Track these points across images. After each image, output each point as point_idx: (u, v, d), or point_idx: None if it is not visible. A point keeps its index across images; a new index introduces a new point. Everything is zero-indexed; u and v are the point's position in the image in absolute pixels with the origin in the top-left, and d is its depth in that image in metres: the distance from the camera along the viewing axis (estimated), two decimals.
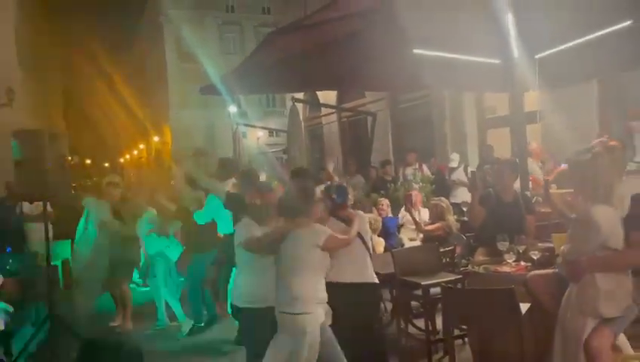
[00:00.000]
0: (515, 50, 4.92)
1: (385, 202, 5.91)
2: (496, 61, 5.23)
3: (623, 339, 2.98)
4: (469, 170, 7.42)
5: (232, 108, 29.53)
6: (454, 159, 7.88)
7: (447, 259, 4.55)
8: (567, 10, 4.50)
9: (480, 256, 3.99)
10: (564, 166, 6.63)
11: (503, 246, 3.72)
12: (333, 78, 6.66)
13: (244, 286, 3.52)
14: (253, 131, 28.85)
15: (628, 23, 4.37)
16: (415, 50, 5.13)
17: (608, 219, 2.73)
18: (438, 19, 4.72)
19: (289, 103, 17.66)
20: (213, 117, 31.20)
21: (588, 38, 4.76)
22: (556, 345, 2.92)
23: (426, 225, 5.27)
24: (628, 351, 3.06)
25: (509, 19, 4.66)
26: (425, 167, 8.18)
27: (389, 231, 5.70)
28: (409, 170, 7.96)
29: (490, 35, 4.84)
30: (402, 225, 5.79)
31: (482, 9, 4.45)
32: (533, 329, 3.10)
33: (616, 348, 2.90)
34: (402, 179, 7.71)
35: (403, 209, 5.94)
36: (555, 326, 2.94)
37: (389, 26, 4.69)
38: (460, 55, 5.27)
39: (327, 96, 13.21)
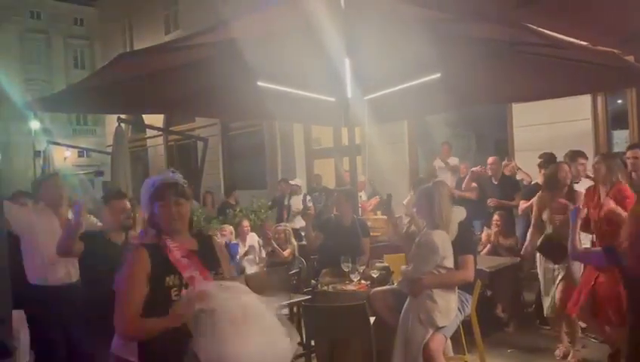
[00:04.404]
0: (349, 91, 5.51)
1: (228, 228, 6.00)
2: (332, 99, 5.79)
3: (447, 342, 3.57)
4: (307, 198, 7.89)
5: (35, 125, 26.47)
6: (298, 185, 8.22)
7: (295, 281, 4.85)
8: (391, 61, 5.26)
9: (326, 277, 4.37)
10: (377, 197, 7.52)
11: (346, 266, 4.14)
12: (170, 103, 6.60)
13: None
14: (60, 150, 26.25)
15: (437, 75, 5.26)
16: (259, 83, 5.44)
17: (444, 241, 3.30)
18: (282, 56, 5.10)
19: (109, 122, 16.62)
20: (6, 133, 27.56)
21: (405, 85, 5.59)
22: (396, 351, 3.38)
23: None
24: (449, 352, 3.68)
25: (346, 64, 5.23)
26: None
27: (232, 257, 5.79)
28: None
29: (329, 76, 5.36)
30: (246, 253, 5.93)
31: (323, 53, 4.93)
32: (376, 339, 3.52)
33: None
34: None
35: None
36: (396, 335, 3.40)
37: (233, 58, 4.88)
38: (301, 91, 5.72)
39: (153, 118, 12.79)
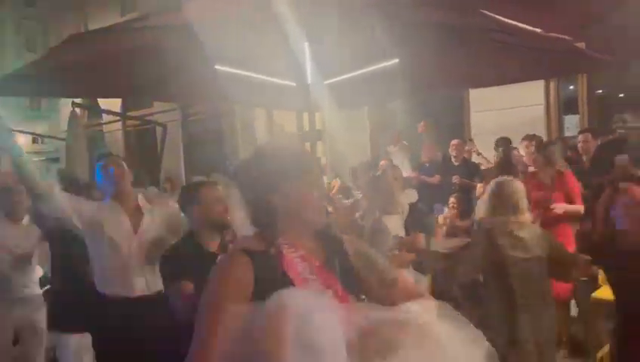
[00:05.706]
0: (309, 75, 5.50)
1: None
2: (293, 84, 5.76)
3: None
4: None
5: None
6: None
7: None
8: (351, 46, 5.27)
9: None
10: (337, 180, 7.61)
11: None
12: (125, 87, 6.42)
13: None
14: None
15: (395, 61, 5.31)
16: (217, 67, 5.37)
17: (396, 225, 3.37)
18: (241, 40, 5.04)
19: (63, 107, 16.04)
20: None
21: (364, 71, 5.63)
22: None
23: None
24: None
25: (306, 48, 5.20)
26: None
27: None
28: None
29: (289, 60, 5.33)
30: None
31: (283, 37, 4.89)
32: None
33: None
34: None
35: None
36: None
37: (191, 41, 4.80)
38: (260, 75, 5.68)
39: (110, 103, 12.44)
